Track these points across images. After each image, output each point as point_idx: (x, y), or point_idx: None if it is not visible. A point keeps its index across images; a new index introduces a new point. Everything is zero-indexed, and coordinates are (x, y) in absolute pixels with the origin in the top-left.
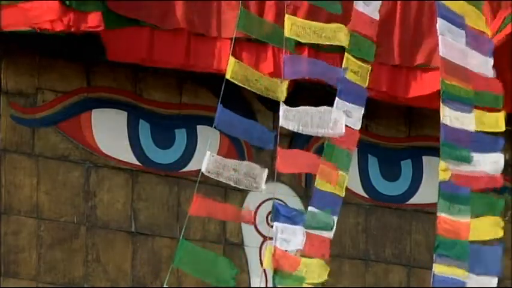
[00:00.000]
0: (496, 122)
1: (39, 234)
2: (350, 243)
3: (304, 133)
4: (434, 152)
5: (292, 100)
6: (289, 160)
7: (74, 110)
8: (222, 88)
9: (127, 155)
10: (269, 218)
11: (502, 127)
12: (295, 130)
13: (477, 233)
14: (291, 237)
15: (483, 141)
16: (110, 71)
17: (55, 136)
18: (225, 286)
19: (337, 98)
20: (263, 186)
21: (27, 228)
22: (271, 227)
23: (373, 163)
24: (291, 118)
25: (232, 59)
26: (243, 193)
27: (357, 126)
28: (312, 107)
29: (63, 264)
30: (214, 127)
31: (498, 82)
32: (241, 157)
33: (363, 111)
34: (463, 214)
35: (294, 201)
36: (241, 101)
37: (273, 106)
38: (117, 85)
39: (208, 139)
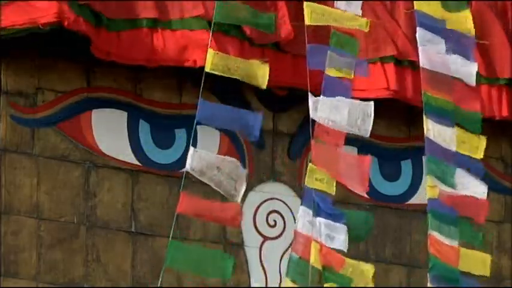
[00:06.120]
0: (476, 147)
1: (39, 234)
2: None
3: (332, 128)
4: None
5: (287, 105)
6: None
7: (74, 110)
8: (202, 82)
9: (127, 155)
10: (269, 218)
11: (480, 154)
12: (325, 124)
13: (467, 264)
14: (334, 234)
15: (465, 163)
16: (110, 71)
17: (55, 136)
18: (223, 277)
19: (322, 96)
20: (239, 197)
21: (27, 228)
22: (271, 227)
23: (373, 163)
24: (320, 109)
25: (210, 51)
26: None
27: (344, 122)
28: (342, 98)
29: (63, 264)
30: (197, 122)
31: (478, 92)
32: (241, 157)
33: (348, 108)
34: (453, 237)
35: (294, 201)
36: (241, 100)
37: (273, 106)
38: (117, 85)
39: (208, 139)
